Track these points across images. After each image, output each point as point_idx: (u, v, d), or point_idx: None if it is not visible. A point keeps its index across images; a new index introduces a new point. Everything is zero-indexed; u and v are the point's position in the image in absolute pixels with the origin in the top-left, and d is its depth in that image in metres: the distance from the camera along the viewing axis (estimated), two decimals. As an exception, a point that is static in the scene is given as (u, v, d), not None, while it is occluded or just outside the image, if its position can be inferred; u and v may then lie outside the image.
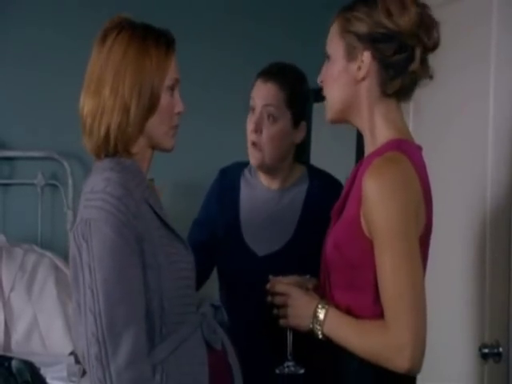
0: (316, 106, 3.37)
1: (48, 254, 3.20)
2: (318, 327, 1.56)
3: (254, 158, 2.04)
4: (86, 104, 1.55)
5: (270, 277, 1.73)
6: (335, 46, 1.59)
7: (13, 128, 3.35)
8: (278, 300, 1.67)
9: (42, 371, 2.39)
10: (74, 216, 3.30)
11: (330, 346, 1.55)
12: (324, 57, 1.64)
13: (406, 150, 1.52)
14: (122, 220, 1.45)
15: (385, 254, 1.46)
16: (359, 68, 1.56)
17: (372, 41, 1.55)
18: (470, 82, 2.08)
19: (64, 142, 3.30)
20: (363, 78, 1.56)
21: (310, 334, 1.58)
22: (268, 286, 1.72)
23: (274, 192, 2.08)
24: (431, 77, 1.58)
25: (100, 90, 1.53)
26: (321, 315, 1.56)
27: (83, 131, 1.57)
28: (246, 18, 3.48)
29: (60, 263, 3.17)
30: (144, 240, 1.48)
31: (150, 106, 1.54)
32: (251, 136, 2.03)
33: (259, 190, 2.09)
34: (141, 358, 1.44)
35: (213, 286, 2.11)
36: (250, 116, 2.05)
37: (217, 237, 2.07)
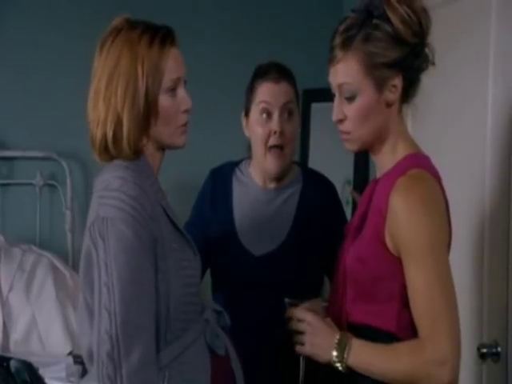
0: (315, 106, 3.40)
1: (47, 254, 3.20)
2: (341, 359, 1.50)
3: (276, 165, 1.99)
4: (90, 116, 1.55)
5: (286, 300, 1.66)
6: (360, 82, 1.51)
7: (12, 128, 3.35)
8: (295, 325, 1.60)
9: (41, 371, 2.39)
10: (73, 216, 3.31)
11: (346, 377, 1.51)
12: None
13: (426, 165, 1.52)
14: (138, 220, 1.45)
15: (417, 270, 1.45)
16: (391, 93, 1.51)
17: (400, 63, 1.50)
18: (469, 83, 2.08)
19: (63, 143, 3.29)
20: (395, 101, 1.52)
21: (327, 365, 1.53)
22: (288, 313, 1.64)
23: (268, 192, 2.06)
24: (433, 63, 1.55)
25: (97, 101, 1.53)
26: (344, 347, 1.50)
27: (90, 141, 1.57)
28: (242, 18, 3.48)
29: (59, 263, 3.17)
30: (157, 242, 1.48)
31: (148, 113, 1.51)
32: (275, 140, 1.97)
33: (253, 190, 2.07)
34: (152, 362, 1.44)
35: (208, 293, 2.10)
36: (262, 121, 1.98)
37: (210, 239, 2.05)
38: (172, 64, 1.54)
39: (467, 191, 2.06)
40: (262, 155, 2.00)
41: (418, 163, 1.52)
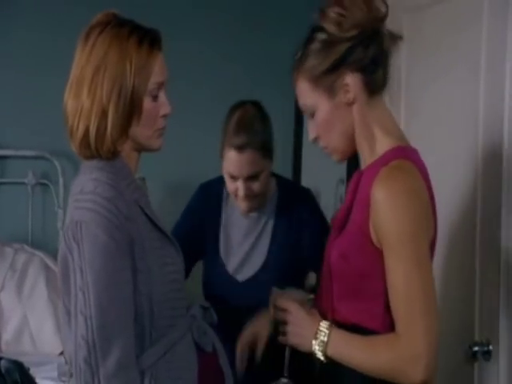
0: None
1: (39, 253, 3.19)
2: (321, 349, 1.51)
3: (244, 207, 2.06)
4: (68, 104, 1.52)
5: (273, 288, 1.69)
6: (313, 98, 1.53)
7: (4, 127, 3.34)
8: (278, 315, 1.62)
9: (32, 371, 2.38)
10: (65, 215, 3.29)
11: (329, 366, 1.52)
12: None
13: (411, 157, 1.51)
14: (113, 222, 1.44)
15: (396, 261, 1.43)
16: (346, 92, 1.51)
17: (342, 62, 1.50)
18: (460, 83, 2.08)
19: (55, 141, 3.25)
20: (355, 98, 1.51)
21: (310, 354, 1.53)
22: (271, 298, 1.68)
23: (252, 217, 2.11)
24: (401, 37, 1.53)
25: (80, 91, 1.49)
26: (324, 337, 1.51)
27: (67, 132, 1.54)
28: (234, 19, 3.47)
29: (51, 262, 3.16)
30: (135, 243, 1.47)
31: (131, 111, 1.50)
32: (241, 198, 2.02)
33: (239, 215, 2.12)
34: (130, 364, 1.43)
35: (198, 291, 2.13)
36: (229, 179, 2.02)
37: (196, 247, 2.10)
38: (158, 68, 1.53)
39: (459, 189, 2.06)
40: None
41: (403, 154, 1.51)
